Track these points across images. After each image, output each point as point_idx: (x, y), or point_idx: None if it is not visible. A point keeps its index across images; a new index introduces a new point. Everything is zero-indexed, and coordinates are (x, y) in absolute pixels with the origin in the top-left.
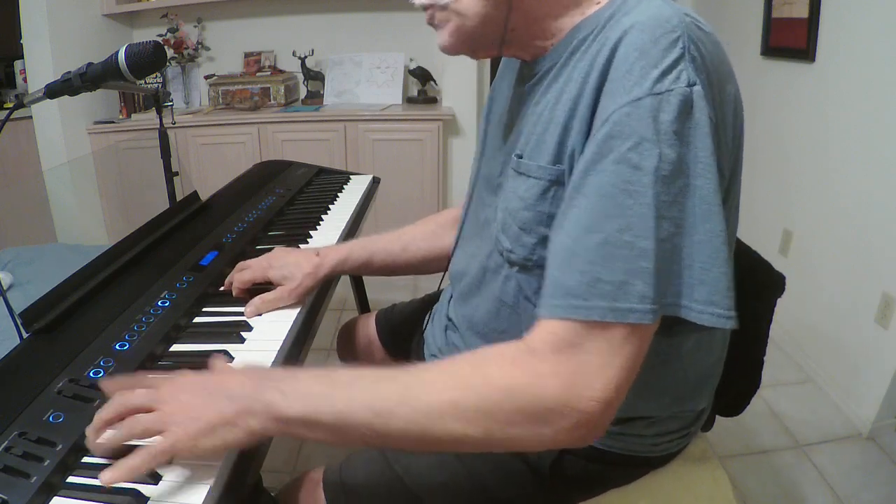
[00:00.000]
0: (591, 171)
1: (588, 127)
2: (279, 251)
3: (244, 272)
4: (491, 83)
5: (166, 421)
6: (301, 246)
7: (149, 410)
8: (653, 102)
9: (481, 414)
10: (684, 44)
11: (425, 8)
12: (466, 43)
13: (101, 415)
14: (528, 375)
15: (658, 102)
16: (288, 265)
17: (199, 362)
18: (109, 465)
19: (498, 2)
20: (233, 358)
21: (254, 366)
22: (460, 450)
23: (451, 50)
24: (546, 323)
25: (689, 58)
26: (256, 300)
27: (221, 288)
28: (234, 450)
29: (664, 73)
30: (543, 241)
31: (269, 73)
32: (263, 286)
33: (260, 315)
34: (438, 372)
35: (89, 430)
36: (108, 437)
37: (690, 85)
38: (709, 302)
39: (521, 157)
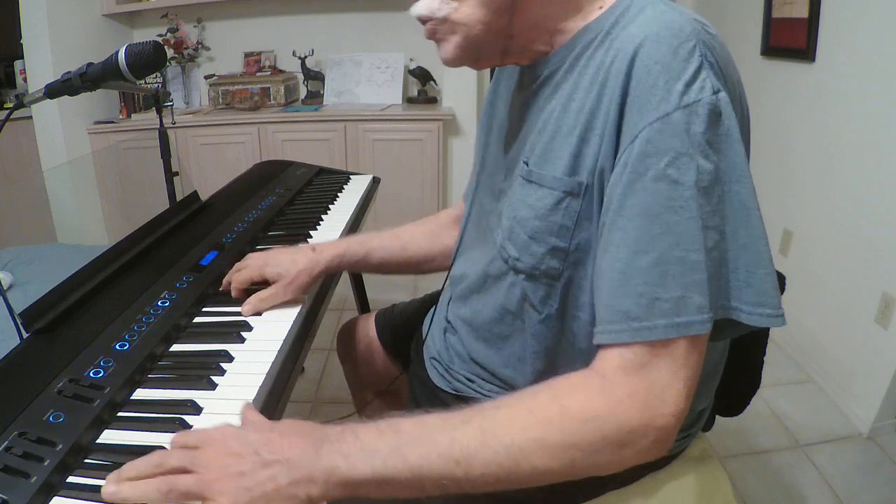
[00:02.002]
0: (630, 191)
1: (615, 144)
2: (276, 250)
3: (241, 272)
4: (491, 83)
5: (210, 488)
6: (300, 244)
7: (190, 471)
8: (683, 116)
9: (566, 447)
10: (701, 51)
11: (423, 21)
12: (471, 54)
13: (131, 469)
14: (608, 403)
15: (688, 115)
16: (283, 262)
17: (198, 363)
18: (110, 465)
19: (500, 8)
20: (233, 358)
21: (301, 423)
22: (542, 483)
23: (456, 62)
24: (610, 349)
25: (708, 65)
26: (253, 298)
27: (221, 289)
28: None
29: (688, 85)
30: (553, 251)
31: (269, 73)
32: (260, 286)
33: (258, 313)
34: (514, 409)
35: (110, 480)
36: (137, 493)
37: (715, 92)
38: (757, 303)
39: (527, 164)
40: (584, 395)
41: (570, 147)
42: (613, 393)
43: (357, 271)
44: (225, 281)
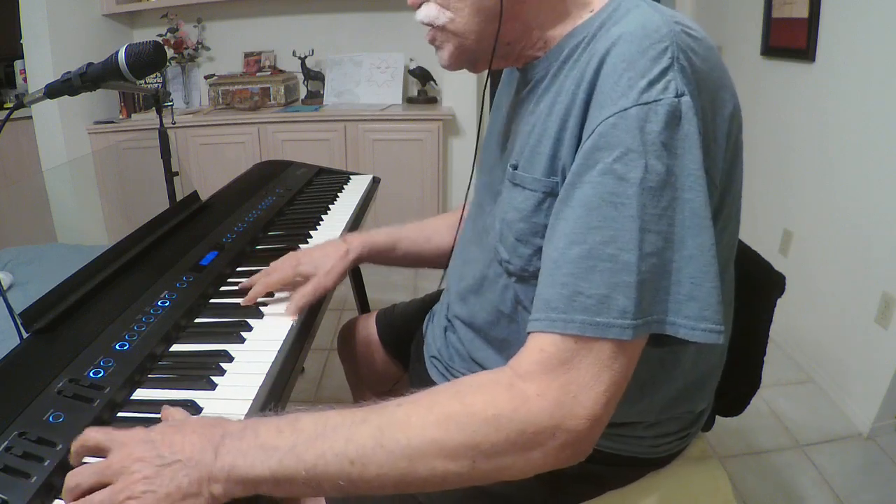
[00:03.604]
0: (578, 183)
1: (577, 139)
2: (302, 250)
3: (272, 275)
4: (489, 83)
5: (119, 497)
6: (301, 246)
7: (102, 485)
8: (639, 113)
9: (466, 448)
10: (673, 53)
11: (425, 25)
12: (465, 60)
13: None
14: (514, 401)
15: (645, 113)
16: (316, 258)
17: (198, 363)
18: None
19: (491, 17)
20: (233, 358)
21: (206, 421)
22: (443, 487)
23: (453, 67)
24: (533, 340)
25: (678, 67)
26: (296, 297)
27: (239, 284)
28: None
29: (651, 84)
30: (539, 251)
31: (269, 73)
32: (269, 296)
33: (300, 310)
34: (414, 407)
35: None
36: None
37: (679, 95)
38: (700, 318)
39: (516, 167)
40: (490, 392)
41: (548, 148)
42: (522, 391)
43: (384, 263)
44: (248, 281)
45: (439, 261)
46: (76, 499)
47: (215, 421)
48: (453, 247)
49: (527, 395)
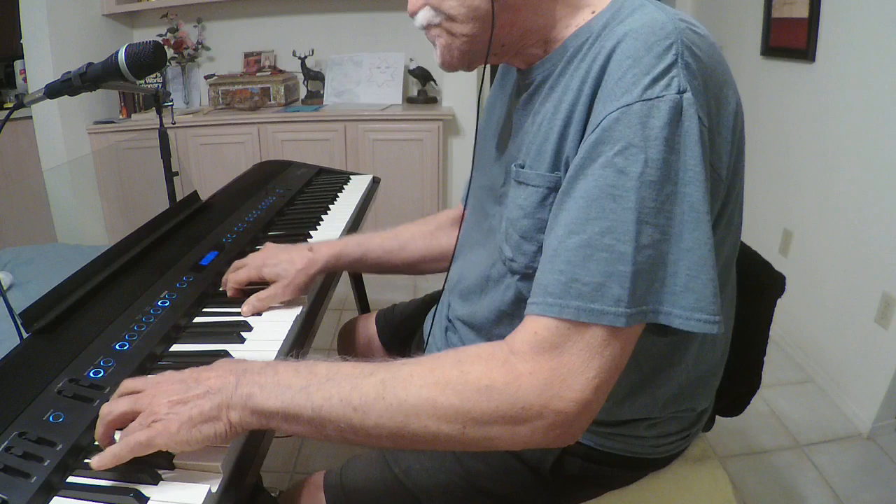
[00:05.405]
0: (580, 175)
1: (581, 134)
2: (272, 248)
3: (239, 272)
4: (491, 83)
5: (147, 420)
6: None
7: (135, 413)
8: (642, 108)
9: (458, 412)
10: (678, 50)
11: (424, 28)
12: (460, 60)
13: (96, 434)
14: (507, 375)
15: (648, 109)
16: (281, 262)
17: (198, 363)
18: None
19: (484, 22)
20: (232, 358)
21: (230, 360)
22: (435, 447)
23: (448, 68)
24: (529, 322)
25: (683, 64)
26: (252, 299)
27: (221, 288)
28: (215, 442)
29: (655, 80)
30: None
31: (269, 73)
32: (258, 285)
33: (258, 314)
34: (417, 367)
35: (94, 461)
36: (109, 457)
37: (681, 92)
38: (695, 308)
39: (522, 167)
40: (487, 364)
41: (553, 145)
42: (515, 367)
43: (354, 271)
44: (224, 280)
45: (412, 269)
46: (109, 424)
47: (239, 360)
48: (455, 248)
49: (519, 372)
